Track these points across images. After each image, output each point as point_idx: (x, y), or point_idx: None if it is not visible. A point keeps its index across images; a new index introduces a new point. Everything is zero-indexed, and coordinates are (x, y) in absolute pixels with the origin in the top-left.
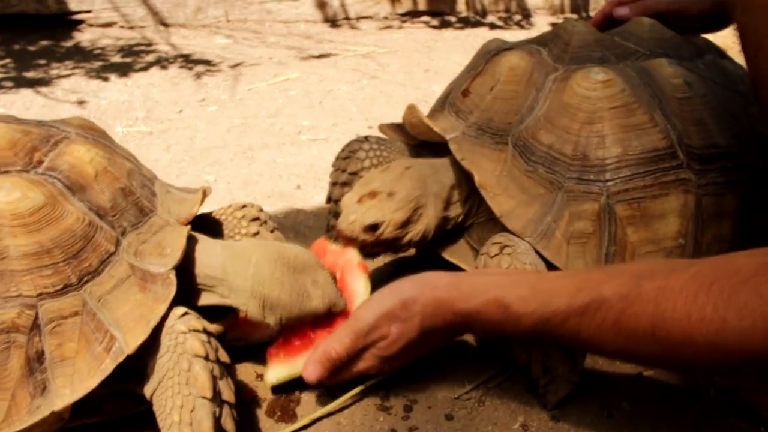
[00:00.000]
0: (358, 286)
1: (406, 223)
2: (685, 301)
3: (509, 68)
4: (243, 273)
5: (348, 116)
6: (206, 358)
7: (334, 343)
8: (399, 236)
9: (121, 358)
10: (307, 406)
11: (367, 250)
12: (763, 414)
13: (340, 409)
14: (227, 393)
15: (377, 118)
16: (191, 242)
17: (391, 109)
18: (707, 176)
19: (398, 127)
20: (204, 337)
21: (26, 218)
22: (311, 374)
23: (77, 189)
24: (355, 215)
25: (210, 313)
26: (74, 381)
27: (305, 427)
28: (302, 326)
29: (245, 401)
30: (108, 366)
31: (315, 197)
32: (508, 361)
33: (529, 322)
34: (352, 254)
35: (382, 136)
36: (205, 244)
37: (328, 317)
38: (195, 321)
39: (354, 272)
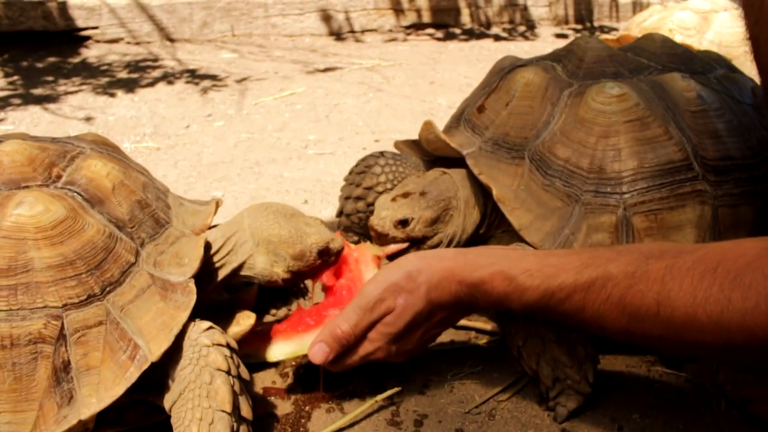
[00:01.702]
0: (371, 276)
1: (435, 221)
2: (691, 281)
3: (524, 84)
4: (240, 227)
5: (354, 129)
6: (228, 372)
7: (339, 320)
8: (428, 235)
9: (145, 366)
10: (318, 421)
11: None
12: None
13: (351, 424)
14: (246, 410)
15: (384, 131)
16: (206, 251)
17: (397, 121)
18: (723, 187)
19: (413, 143)
20: (227, 351)
21: (49, 231)
22: (317, 354)
23: (96, 202)
24: (386, 212)
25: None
26: (100, 390)
27: None
28: (311, 272)
29: (257, 416)
30: (133, 374)
31: (323, 211)
32: (518, 375)
33: (534, 295)
34: (366, 247)
35: (396, 151)
36: (208, 234)
37: (333, 258)
38: (219, 335)
39: (368, 263)
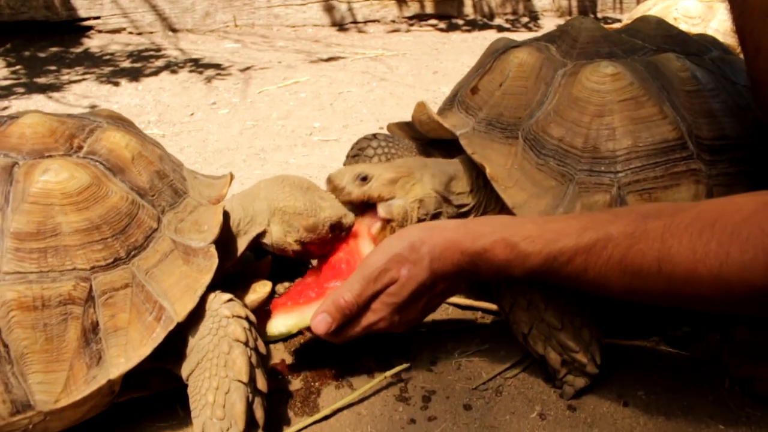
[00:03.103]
0: (366, 248)
1: (393, 182)
2: (690, 237)
3: (518, 64)
4: (257, 198)
5: (359, 117)
6: (246, 344)
7: (343, 290)
8: (385, 196)
9: (171, 327)
10: (327, 397)
11: (360, 209)
12: None
13: (360, 400)
14: (261, 382)
15: (388, 119)
16: (225, 219)
17: (401, 110)
18: (717, 167)
19: (407, 126)
20: (246, 324)
21: (75, 197)
22: (319, 325)
23: (117, 171)
24: (347, 167)
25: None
26: (128, 350)
27: (326, 417)
28: (321, 246)
29: (268, 392)
30: (159, 334)
31: None
32: (524, 353)
33: (536, 260)
34: (361, 221)
35: (390, 134)
36: (226, 203)
37: (345, 233)
38: (239, 308)
39: (364, 238)
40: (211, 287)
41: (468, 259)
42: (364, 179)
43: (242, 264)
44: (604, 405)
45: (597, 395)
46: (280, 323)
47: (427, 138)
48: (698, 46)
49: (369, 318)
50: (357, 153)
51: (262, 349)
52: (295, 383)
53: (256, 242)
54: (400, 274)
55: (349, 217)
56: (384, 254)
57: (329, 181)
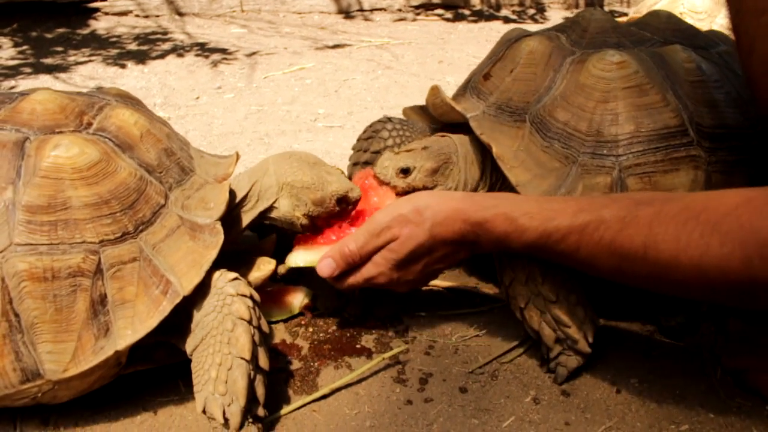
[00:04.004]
0: None
1: (435, 172)
2: (675, 226)
3: (528, 52)
4: (265, 173)
5: (363, 105)
6: (250, 322)
7: (348, 240)
8: (428, 185)
9: (177, 300)
10: (326, 377)
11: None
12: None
13: (358, 381)
14: (263, 360)
15: (392, 107)
16: (231, 197)
17: (405, 98)
18: (717, 154)
19: (421, 110)
20: (250, 303)
21: (85, 172)
22: (324, 268)
23: (126, 148)
24: (389, 161)
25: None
26: (135, 322)
27: (324, 396)
28: (331, 219)
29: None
30: (165, 307)
31: None
32: (520, 340)
33: (533, 235)
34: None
35: (404, 118)
36: (235, 180)
37: (351, 207)
38: (244, 287)
39: (391, 197)
40: (216, 262)
41: (469, 228)
42: (407, 172)
43: (244, 243)
44: (597, 391)
45: (590, 381)
46: (299, 257)
47: (440, 122)
48: (706, 40)
49: (370, 269)
50: (371, 135)
51: (265, 328)
52: (295, 363)
53: (263, 217)
54: (402, 232)
55: (355, 191)
56: (390, 213)
57: (374, 177)
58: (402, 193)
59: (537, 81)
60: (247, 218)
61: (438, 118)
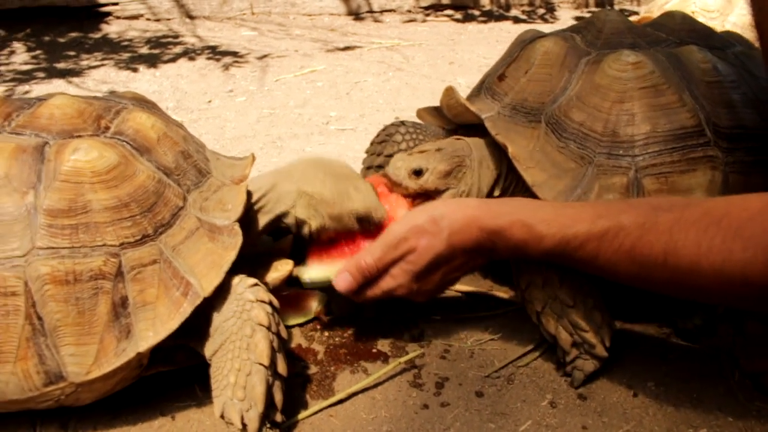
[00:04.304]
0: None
1: (448, 174)
2: (696, 232)
3: (543, 52)
4: (289, 178)
5: (375, 107)
6: (269, 328)
7: (365, 254)
8: (440, 188)
9: (198, 302)
10: (343, 381)
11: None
12: None
13: (375, 385)
14: (281, 366)
15: (404, 109)
16: (249, 198)
17: (417, 100)
18: (735, 154)
19: (435, 111)
20: (269, 309)
21: (104, 175)
22: (341, 282)
23: (144, 151)
24: (402, 162)
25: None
26: (156, 324)
27: (341, 401)
28: (347, 235)
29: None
30: (186, 309)
31: None
32: (536, 343)
33: (551, 243)
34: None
35: (417, 121)
36: (258, 179)
37: (373, 227)
38: (263, 293)
39: (402, 204)
40: (234, 263)
41: (486, 236)
42: (419, 173)
43: (262, 245)
44: (614, 395)
45: (607, 385)
46: (313, 272)
47: (454, 123)
48: (722, 41)
49: (388, 282)
50: (384, 139)
51: (283, 334)
52: (312, 368)
53: (279, 221)
54: (419, 243)
55: (379, 212)
56: (406, 224)
57: (386, 176)
58: (413, 195)
59: (552, 82)
60: (263, 219)
61: (452, 119)
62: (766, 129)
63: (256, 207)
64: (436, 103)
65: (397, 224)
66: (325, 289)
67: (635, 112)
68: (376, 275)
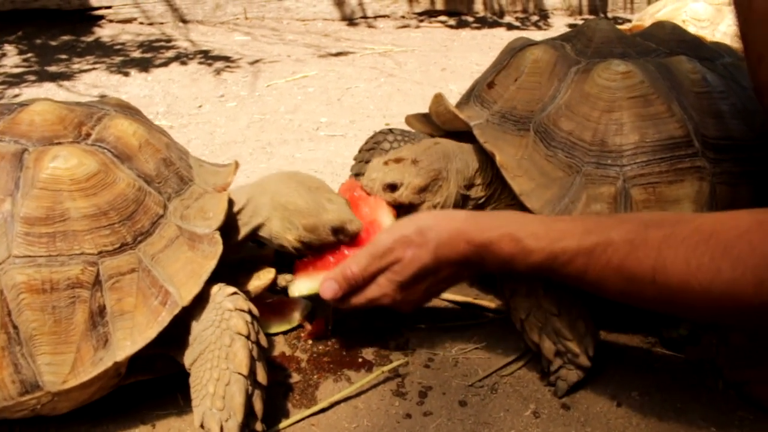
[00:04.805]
0: (386, 219)
1: (423, 189)
2: (685, 250)
3: (533, 61)
4: (263, 191)
5: (366, 113)
6: (248, 337)
7: (350, 262)
8: (415, 202)
9: (176, 311)
10: (325, 390)
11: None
12: None
13: (358, 394)
14: (261, 375)
15: (394, 116)
16: (230, 207)
17: (408, 106)
18: (722, 165)
19: (424, 118)
20: (248, 317)
21: (83, 183)
22: (327, 290)
23: (125, 158)
24: (377, 174)
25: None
26: (134, 333)
27: (323, 410)
28: (324, 248)
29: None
30: (165, 318)
31: None
32: (521, 352)
33: (539, 257)
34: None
35: (406, 128)
36: (234, 193)
37: (347, 239)
38: (242, 301)
39: (382, 208)
40: (215, 272)
41: (473, 250)
42: (394, 188)
43: (245, 251)
44: (597, 404)
45: (591, 395)
46: (302, 286)
47: (443, 130)
48: (711, 52)
49: (373, 291)
50: (372, 147)
51: (263, 342)
52: (294, 376)
53: (255, 234)
54: (405, 254)
55: (354, 224)
56: (392, 234)
57: (361, 189)
58: (391, 204)
59: (541, 90)
60: (241, 232)
61: (441, 126)
62: (754, 140)
63: (237, 219)
64: (427, 110)
65: (384, 234)
66: (313, 299)
67: (624, 121)
68: (361, 284)
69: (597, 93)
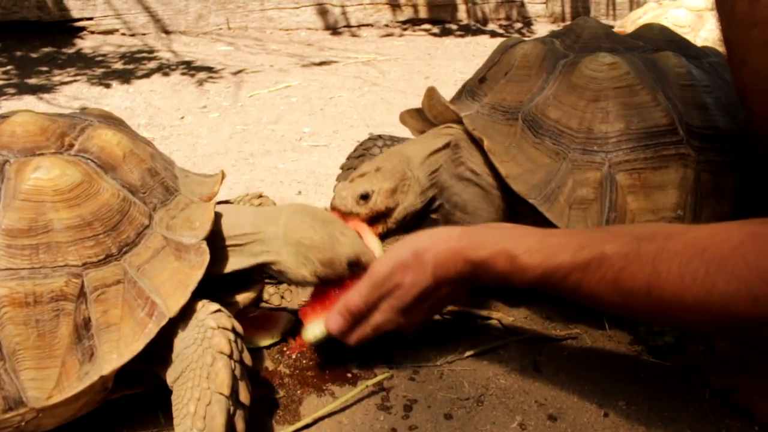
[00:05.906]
0: (373, 244)
1: (394, 191)
2: (679, 264)
3: (522, 55)
4: (274, 222)
5: (349, 123)
6: (230, 356)
7: (352, 294)
8: (391, 206)
9: (163, 322)
10: (309, 405)
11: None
12: (756, 414)
13: (342, 409)
14: (244, 395)
15: (378, 125)
16: (217, 217)
17: (392, 115)
18: (706, 154)
19: (417, 113)
20: (231, 336)
21: (66, 194)
22: (333, 324)
23: (109, 168)
24: (347, 191)
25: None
26: (120, 346)
27: (307, 426)
28: (338, 281)
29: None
30: (152, 330)
31: (316, 203)
32: (507, 364)
33: (534, 274)
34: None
35: (394, 135)
36: (234, 209)
37: (362, 271)
38: (225, 319)
39: (367, 234)
40: (202, 282)
41: (470, 268)
42: (366, 197)
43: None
44: (584, 415)
45: (578, 405)
46: (316, 329)
47: (435, 124)
48: (698, 51)
49: (377, 319)
50: (362, 153)
51: (247, 360)
52: (278, 391)
53: (263, 269)
54: (404, 280)
55: (367, 255)
56: (390, 261)
57: (333, 208)
58: (366, 219)
59: (530, 82)
60: (244, 261)
61: (433, 120)
62: (738, 132)
63: (236, 244)
64: (420, 105)
65: (381, 262)
66: (329, 341)
67: (610, 110)
68: (365, 314)
69: (584, 83)
